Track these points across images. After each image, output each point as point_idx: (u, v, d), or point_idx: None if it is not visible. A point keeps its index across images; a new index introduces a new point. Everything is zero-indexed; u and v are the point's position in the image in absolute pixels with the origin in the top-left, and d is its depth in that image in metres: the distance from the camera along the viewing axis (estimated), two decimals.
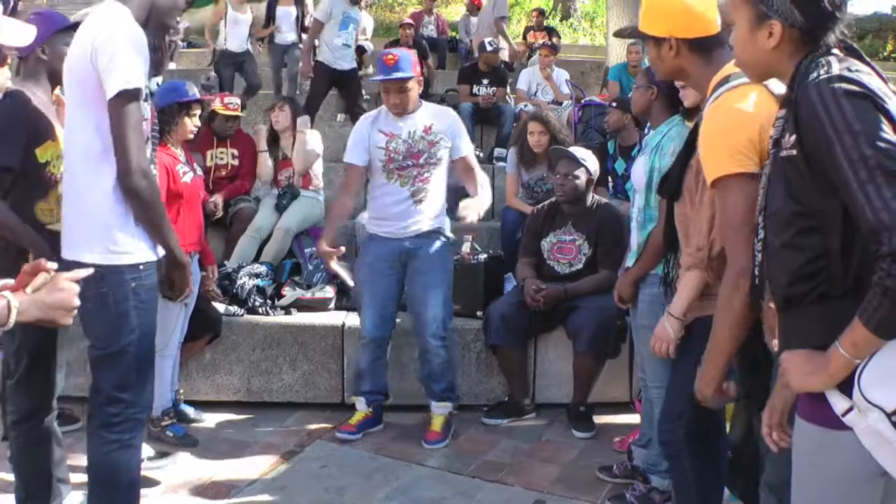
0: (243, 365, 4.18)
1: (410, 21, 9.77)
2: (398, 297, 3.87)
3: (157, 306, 2.45)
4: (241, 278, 4.38)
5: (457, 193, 3.99)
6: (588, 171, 3.99)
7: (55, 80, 2.66)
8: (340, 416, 4.09)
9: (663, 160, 2.81)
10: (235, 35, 7.80)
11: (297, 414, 4.12)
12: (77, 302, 1.65)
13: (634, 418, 3.83)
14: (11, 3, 9.24)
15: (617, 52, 8.06)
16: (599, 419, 4.03)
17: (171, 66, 8.55)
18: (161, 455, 3.51)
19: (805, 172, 1.48)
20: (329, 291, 4.54)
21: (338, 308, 4.53)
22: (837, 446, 1.48)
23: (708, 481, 2.49)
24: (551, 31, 10.97)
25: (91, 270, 1.79)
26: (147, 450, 3.46)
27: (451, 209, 3.90)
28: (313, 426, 3.99)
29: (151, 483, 3.26)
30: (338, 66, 6.94)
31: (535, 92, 7.70)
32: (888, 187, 1.35)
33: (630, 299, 3.11)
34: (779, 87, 1.89)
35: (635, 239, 3.07)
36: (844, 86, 1.42)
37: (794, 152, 1.49)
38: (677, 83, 2.77)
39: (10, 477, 2.79)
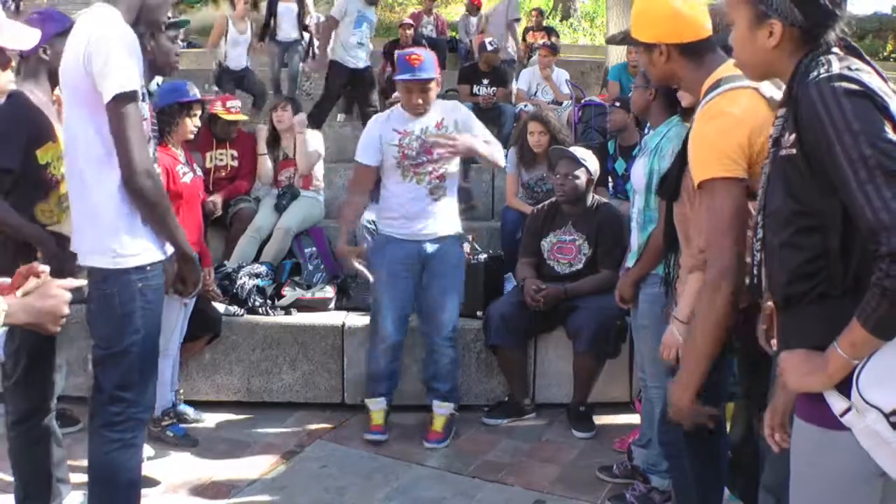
0: (243, 365, 4.18)
1: (410, 21, 9.77)
2: (413, 300, 3.87)
3: (162, 306, 2.46)
4: (241, 278, 4.38)
5: (459, 195, 4.01)
6: (588, 171, 3.99)
7: (55, 79, 2.66)
8: (340, 416, 4.09)
9: (662, 161, 2.81)
10: (235, 55, 7.84)
11: (297, 414, 4.12)
12: (66, 310, 1.65)
13: (634, 418, 3.83)
14: (12, 3, 9.24)
15: (617, 52, 8.05)
16: (599, 419, 4.02)
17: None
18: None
19: (805, 171, 1.48)
20: (329, 291, 4.54)
21: (338, 308, 4.53)
22: (836, 447, 1.48)
23: (708, 481, 2.49)
24: (550, 31, 10.96)
25: (84, 282, 1.79)
26: (147, 450, 3.47)
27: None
28: (313, 426, 3.99)
29: (151, 483, 3.26)
30: (352, 64, 6.95)
31: (535, 92, 7.70)
32: (888, 187, 1.35)
33: (631, 299, 3.12)
34: (770, 89, 1.89)
35: (636, 240, 3.07)
36: (845, 85, 1.42)
37: (794, 151, 1.49)
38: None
39: (10, 477, 2.78)
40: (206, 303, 3.99)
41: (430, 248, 3.80)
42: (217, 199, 4.94)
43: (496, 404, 4.17)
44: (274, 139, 5.23)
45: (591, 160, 4.01)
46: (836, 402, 1.46)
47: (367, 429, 3.89)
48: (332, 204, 5.63)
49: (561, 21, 16.08)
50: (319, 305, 4.48)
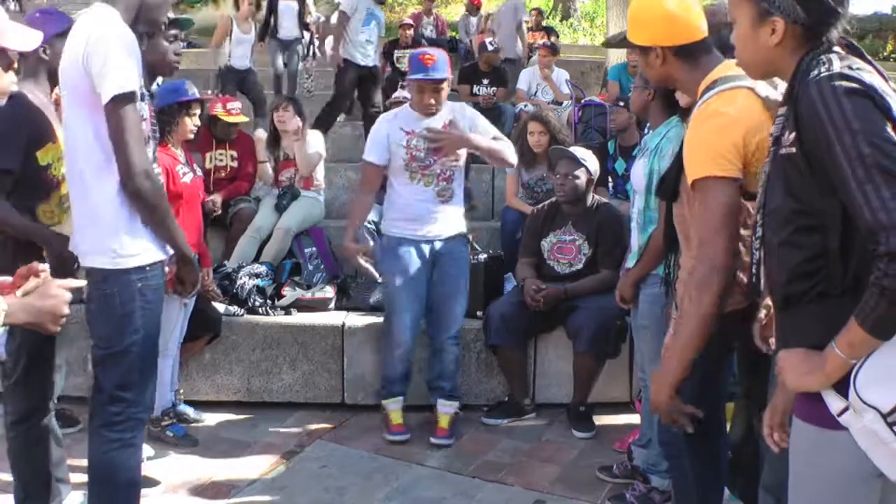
0: (243, 365, 4.18)
1: (410, 21, 9.77)
2: (426, 297, 3.87)
3: (162, 306, 2.46)
4: (241, 278, 4.38)
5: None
6: (588, 171, 3.99)
7: (55, 79, 2.66)
8: (340, 416, 4.09)
9: (662, 162, 2.81)
10: (239, 53, 7.78)
11: (297, 414, 4.12)
12: (66, 310, 1.65)
13: (634, 418, 3.83)
14: (11, 2, 9.24)
15: (617, 52, 8.05)
16: (599, 419, 4.02)
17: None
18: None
19: (804, 170, 1.48)
20: (329, 291, 4.54)
21: (338, 308, 4.53)
22: (833, 446, 1.48)
23: (708, 481, 2.49)
24: (549, 31, 10.97)
25: (84, 283, 1.79)
26: (147, 450, 3.47)
27: None
28: (313, 426, 3.99)
29: (151, 483, 3.26)
30: (361, 61, 6.95)
31: (535, 92, 7.70)
32: (886, 187, 1.35)
33: (631, 300, 3.12)
34: (766, 89, 1.89)
35: (636, 240, 3.07)
36: (845, 84, 1.42)
37: (794, 150, 1.49)
38: None
39: (10, 477, 2.78)
40: (206, 303, 3.99)
41: (439, 247, 3.81)
42: (217, 198, 4.94)
43: (496, 404, 4.17)
44: (275, 139, 5.23)
45: (591, 160, 4.01)
46: (834, 402, 1.46)
47: (367, 429, 3.90)
48: (332, 204, 5.64)
49: (561, 21, 16.09)
50: (319, 305, 4.48)
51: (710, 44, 2.18)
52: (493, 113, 7.15)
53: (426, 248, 3.79)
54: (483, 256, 4.43)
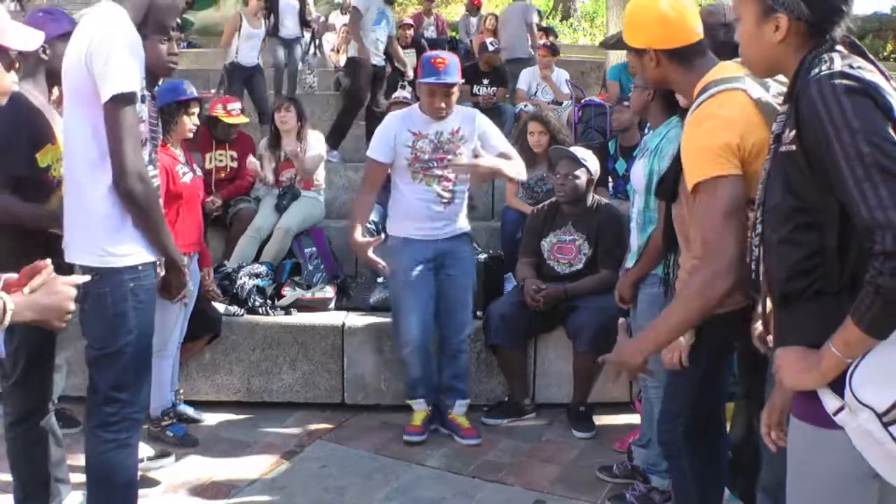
0: (243, 365, 4.18)
1: (410, 21, 9.78)
2: (435, 299, 3.85)
3: (154, 306, 2.45)
4: (241, 278, 4.38)
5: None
6: (589, 171, 3.99)
7: (53, 80, 2.66)
8: (340, 416, 4.09)
9: (662, 162, 2.81)
10: (248, 49, 7.69)
11: (297, 414, 4.12)
12: (72, 306, 1.65)
13: (634, 418, 3.83)
14: (12, 2, 9.23)
15: (617, 52, 8.04)
16: (599, 419, 4.02)
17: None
18: (161, 455, 3.51)
19: (804, 168, 1.48)
20: (329, 291, 4.54)
21: (338, 308, 4.53)
22: (830, 445, 1.48)
23: (707, 480, 2.49)
24: (549, 31, 10.97)
25: (88, 277, 1.79)
26: (147, 450, 3.47)
27: None
28: (313, 426, 3.99)
29: (151, 483, 3.26)
30: (374, 60, 6.95)
31: (535, 92, 7.70)
32: (884, 185, 1.35)
33: (631, 300, 3.12)
34: (758, 91, 1.89)
35: (635, 241, 3.08)
36: (845, 82, 1.42)
37: (794, 147, 1.49)
38: None
39: (10, 477, 2.78)
40: (206, 303, 3.99)
41: (442, 246, 3.81)
42: (217, 198, 4.94)
43: (496, 404, 4.17)
44: (276, 139, 5.23)
45: (591, 160, 4.01)
46: (830, 401, 1.46)
47: (367, 429, 3.92)
48: (332, 204, 5.64)
49: (561, 21, 16.09)
50: (319, 305, 4.48)
51: (705, 46, 2.18)
52: (493, 113, 7.15)
53: (430, 248, 3.79)
54: (483, 256, 4.43)
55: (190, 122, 3.74)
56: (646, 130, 3.33)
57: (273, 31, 8.33)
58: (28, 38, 2.23)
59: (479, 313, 4.20)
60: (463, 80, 3.84)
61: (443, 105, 3.70)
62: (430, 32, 10.43)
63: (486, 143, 3.80)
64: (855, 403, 1.41)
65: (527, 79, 7.79)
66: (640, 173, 3.00)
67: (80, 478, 2.51)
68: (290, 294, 4.43)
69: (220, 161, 5.17)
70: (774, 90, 1.91)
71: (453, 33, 11.23)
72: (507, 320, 4.02)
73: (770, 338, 1.75)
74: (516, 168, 3.80)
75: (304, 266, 4.80)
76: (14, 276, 1.65)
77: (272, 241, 4.86)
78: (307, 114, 5.42)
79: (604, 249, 4.00)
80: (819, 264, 1.49)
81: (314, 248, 4.91)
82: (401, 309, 3.83)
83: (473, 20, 10.48)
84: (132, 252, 2.33)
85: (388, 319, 4.08)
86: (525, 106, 7.17)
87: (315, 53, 9.40)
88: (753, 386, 2.48)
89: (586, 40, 15.40)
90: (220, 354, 4.16)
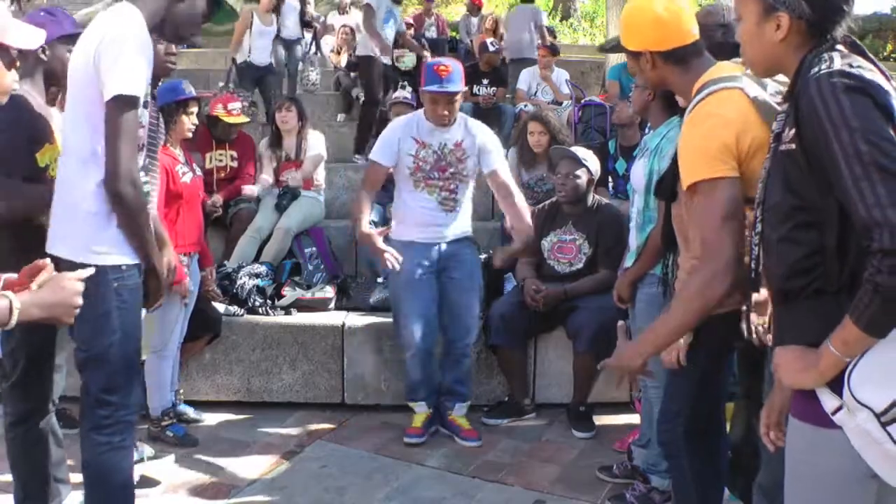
0: (243, 365, 4.18)
1: (411, 21, 9.77)
2: (437, 303, 3.84)
3: (140, 307, 2.43)
4: (241, 278, 4.38)
5: None
6: (589, 171, 3.99)
7: (50, 81, 2.65)
8: (340, 416, 4.09)
9: (662, 162, 2.81)
10: (259, 47, 7.64)
11: (297, 414, 4.12)
12: (80, 301, 1.65)
13: (634, 418, 3.83)
14: (10, 3, 9.22)
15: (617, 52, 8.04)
16: (599, 419, 4.02)
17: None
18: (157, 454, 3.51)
19: (804, 167, 1.48)
20: (329, 291, 4.54)
21: (338, 308, 4.53)
22: (828, 445, 1.48)
23: (707, 480, 2.49)
24: (549, 31, 10.96)
25: (92, 270, 1.78)
26: (147, 450, 3.47)
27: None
28: (313, 426, 3.99)
29: (151, 483, 3.26)
30: (382, 59, 6.97)
31: (535, 92, 7.70)
32: (882, 184, 1.35)
33: (629, 299, 3.12)
34: (755, 90, 1.89)
35: (634, 240, 3.08)
36: (845, 81, 1.42)
37: (794, 146, 1.49)
38: None
39: (10, 477, 2.78)
40: (206, 303, 3.99)
41: (444, 249, 3.81)
42: (217, 198, 4.95)
43: (496, 404, 4.17)
44: (277, 139, 5.23)
45: (591, 160, 4.01)
46: (828, 400, 1.46)
47: (367, 429, 3.92)
48: (332, 204, 5.64)
49: (561, 21, 16.08)
50: (319, 305, 4.48)
51: (702, 46, 2.19)
52: (493, 113, 7.16)
53: (432, 251, 3.79)
54: (483, 256, 4.42)
55: (189, 122, 3.74)
56: (646, 130, 3.33)
57: (275, 32, 8.31)
58: (29, 37, 2.23)
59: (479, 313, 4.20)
60: (464, 87, 3.82)
61: (446, 113, 3.70)
62: (431, 33, 10.42)
63: (483, 160, 3.78)
64: (853, 403, 1.40)
65: (527, 79, 7.79)
66: (639, 173, 3.00)
67: (81, 478, 2.51)
68: (290, 294, 4.43)
69: (220, 161, 5.17)
70: (772, 89, 1.91)
71: (454, 33, 11.22)
72: (508, 320, 4.02)
73: (770, 336, 1.76)
74: (526, 212, 3.77)
75: (304, 266, 4.80)
76: (14, 275, 1.65)
77: (272, 241, 4.87)
78: (307, 114, 5.42)
79: (604, 249, 4.00)
80: (818, 263, 1.49)
81: (314, 248, 4.91)
82: (402, 312, 3.81)
83: (474, 20, 10.47)
84: (116, 252, 2.31)
85: (389, 319, 4.07)
86: (525, 106, 7.17)
87: (316, 53, 9.39)
88: (753, 386, 2.48)
89: (586, 40, 15.40)
90: (220, 354, 4.16)
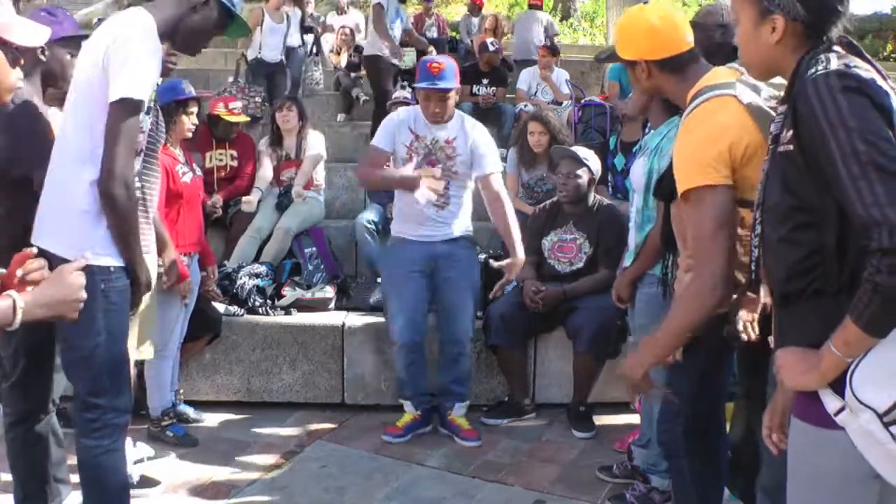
0: (243, 365, 4.17)
1: (412, 21, 9.75)
2: (426, 300, 3.85)
3: (127, 310, 2.41)
4: (241, 278, 4.38)
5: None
6: (590, 170, 3.99)
7: (48, 82, 2.65)
8: (340, 416, 4.09)
9: (662, 161, 2.81)
10: (271, 44, 7.60)
11: (297, 414, 4.12)
12: (84, 295, 1.64)
13: (634, 418, 3.83)
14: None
15: None
16: (599, 419, 4.02)
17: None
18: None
19: (802, 167, 1.48)
20: (329, 291, 4.54)
21: (338, 308, 4.53)
22: (830, 446, 1.48)
23: (707, 480, 2.49)
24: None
25: (90, 256, 1.75)
26: (147, 450, 3.47)
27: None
28: (313, 426, 3.99)
29: (151, 483, 3.26)
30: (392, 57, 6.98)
31: (535, 92, 7.70)
32: (880, 183, 1.35)
33: (628, 299, 3.12)
34: (750, 96, 1.90)
35: (633, 239, 3.08)
36: (842, 81, 1.43)
37: (792, 147, 1.49)
38: None
39: (10, 477, 2.78)
40: (206, 303, 3.99)
41: (438, 249, 3.81)
42: (218, 199, 4.94)
43: (496, 404, 4.17)
44: (277, 138, 5.23)
45: (592, 160, 4.01)
46: (831, 401, 1.46)
47: (367, 429, 3.92)
48: (332, 204, 5.64)
49: (561, 21, 16.06)
50: (319, 305, 4.48)
51: (697, 53, 2.20)
52: (492, 113, 7.17)
53: (424, 250, 3.80)
54: (483, 256, 4.42)
55: (189, 122, 3.74)
56: (647, 130, 3.33)
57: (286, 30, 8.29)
58: (33, 34, 2.23)
59: (479, 313, 4.20)
60: (458, 84, 3.82)
61: (437, 110, 3.71)
62: (432, 33, 10.41)
63: (475, 162, 3.79)
64: (856, 404, 1.40)
65: (527, 79, 7.79)
66: (639, 172, 3.00)
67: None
68: (290, 294, 4.43)
69: (220, 160, 5.17)
70: (766, 94, 1.91)
71: (454, 33, 11.22)
72: (507, 320, 4.02)
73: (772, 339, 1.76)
74: (518, 234, 3.81)
75: (304, 266, 4.80)
76: (2, 270, 1.64)
77: (272, 241, 4.87)
78: (308, 114, 5.42)
79: (604, 249, 4.00)
80: (818, 263, 1.49)
81: (314, 248, 4.91)
82: (388, 309, 3.88)
83: (475, 20, 10.47)
84: (105, 253, 2.30)
85: None
86: (525, 106, 7.17)
87: (317, 54, 9.38)
88: (753, 386, 2.48)
89: (586, 40, 15.40)
90: (220, 354, 4.16)
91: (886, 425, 1.38)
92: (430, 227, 3.81)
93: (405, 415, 3.87)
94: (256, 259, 4.77)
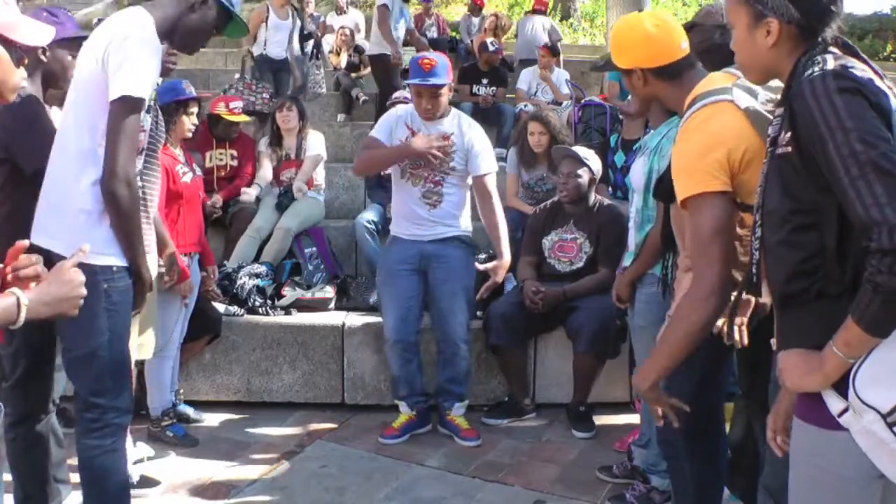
0: (243, 365, 4.18)
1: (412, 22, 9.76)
2: (420, 298, 3.86)
3: (129, 310, 2.41)
4: (241, 278, 4.38)
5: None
6: (591, 170, 3.99)
7: (48, 82, 2.65)
8: (340, 417, 4.09)
9: (662, 161, 2.81)
10: (276, 41, 7.53)
11: (297, 414, 4.12)
12: (84, 291, 1.64)
13: (634, 418, 3.83)
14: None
15: None
16: (599, 419, 4.03)
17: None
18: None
19: (800, 169, 1.48)
20: (329, 291, 4.54)
21: (338, 308, 4.53)
22: (833, 447, 1.48)
23: (706, 480, 2.49)
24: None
25: (87, 247, 1.74)
26: (147, 450, 3.47)
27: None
28: (313, 426, 3.99)
29: (151, 483, 3.26)
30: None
31: (535, 92, 7.70)
32: (879, 183, 1.35)
33: (628, 299, 3.12)
34: (747, 100, 1.90)
35: (633, 239, 3.08)
36: (838, 82, 1.43)
37: (790, 149, 1.49)
38: None
39: (10, 477, 2.78)
40: (206, 303, 3.99)
41: (429, 249, 3.81)
42: (217, 199, 4.95)
43: (496, 404, 4.17)
44: (277, 138, 5.24)
45: (593, 160, 4.02)
46: (834, 403, 1.46)
47: (367, 429, 3.92)
48: (332, 204, 5.64)
49: (561, 21, 16.05)
50: (319, 305, 4.48)
51: (692, 59, 2.20)
52: (492, 113, 7.17)
53: (415, 248, 3.81)
54: (483, 256, 4.42)
55: (189, 122, 3.74)
56: (648, 128, 3.33)
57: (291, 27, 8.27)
58: (38, 34, 2.23)
59: (479, 313, 4.20)
60: (454, 80, 3.83)
61: (430, 107, 3.71)
62: (432, 33, 10.42)
63: (469, 161, 3.79)
64: (859, 405, 1.40)
65: (527, 79, 7.80)
66: (639, 172, 3.00)
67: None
68: (290, 294, 4.44)
69: (221, 160, 5.17)
70: (763, 98, 1.91)
71: (454, 33, 11.22)
72: (508, 320, 4.02)
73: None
74: (505, 244, 3.83)
75: (304, 266, 4.80)
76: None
77: (272, 241, 4.87)
78: (308, 114, 5.43)
79: (604, 249, 4.00)
80: (819, 265, 1.49)
81: (314, 248, 4.91)
82: (381, 306, 3.92)
83: (475, 20, 10.47)
84: (107, 252, 2.30)
85: None
86: (525, 106, 7.17)
87: (318, 57, 9.38)
88: (753, 386, 2.48)
89: (586, 40, 15.40)
90: (220, 354, 4.16)
91: (890, 426, 1.38)
92: (421, 225, 3.81)
93: (401, 415, 3.87)
94: (256, 259, 4.77)
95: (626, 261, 3.14)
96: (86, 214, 2.28)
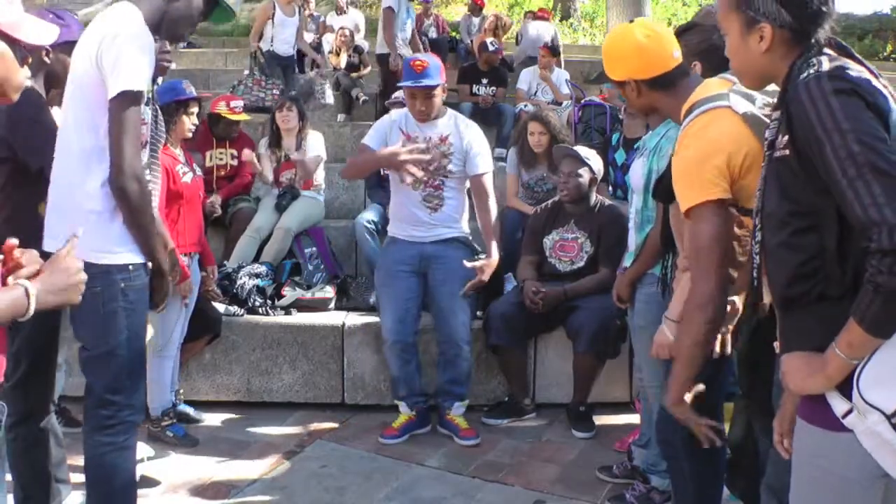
0: (243, 365, 4.18)
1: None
2: (418, 299, 3.86)
3: (146, 308, 2.43)
4: (241, 278, 4.38)
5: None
6: (591, 170, 3.99)
7: (51, 84, 2.65)
8: (340, 416, 4.09)
9: (661, 161, 2.81)
10: (282, 38, 7.54)
11: (297, 414, 4.12)
12: (83, 276, 1.64)
13: (634, 418, 3.83)
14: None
15: None
16: (599, 419, 4.02)
17: (172, 65, 8.43)
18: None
19: (798, 172, 1.48)
20: (329, 291, 4.54)
21: (338, 308, 4.53)
22: (837, 448, 1.48)
23: (706, 480, 2.49)
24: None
25: (81, 230, 1.74)
26: (147, 450, 3.47)
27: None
28: (313, 426, 3.99)
29: (151, 483, 3.26)
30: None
31: (535, 92, 7.71)
32: (877, 184, 1.35)
33: (628, 299, 3.12)
34: (745, 105, 1.90)
35: (633, 240, 3.07)
36: (834, 83, 1.43)
37: (787, 152, 1.49)
38: None
39: (10, 477, 2.78)
40: (206, 303, 3.99)
41: (429, 250, 3.81)
42: (217, 199, 4.95)
43: (496, 404, 4.17)
44: (276, 138, 5.24)
45: (594, 159, 4.02)
46: (838, 404, 1.46)
47: (367, 429, 3.92)
48: (332, 204, 5.64)
49: (561, 21, 16.06)
50: (319, 305, 4.48)
51: (686, 68, 2.21)
52: (492, 113, 7.17)
53: (414, 250, 3.82)
54: (483, 257, 4.42)
55: (189, 122, 3.75)
56: (647, 129, 3.33)
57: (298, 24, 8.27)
58: (43, 33, 2.23)
59: (479, 313, 4.20)
60: (445, 83, 3.82)
61: (423, 108, 3.72)
62: (432, 33, 10.42)
63: (468, 162, 3.80)
64: (863, 405, 1.40)
65: (527, 79, 7.80)
66: (638, 172, 2.99)
67: (81, 478, 2.51)
68: (290, 294, 4.44)
69: (221, 159, 5.17)
70: (760, 102, 1.91)
71: (454, 33, 11.23)
72: (508, 320, 4.02)
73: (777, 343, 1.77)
74: (495, 226, 3.86)
75: (304, 266, 4.80)
76: None
77: (272, 241, 4.87)
78: (307, 115, 5.42)
79: (605, 248, 4.00)
80: (819, 267, 1.49)
81: (314, 248, 4.91)
82: (379, 307, 3.92)
83: (475, 20, 10.48)
84: (122, 251, 2.31)
85: None
86: (525, 106, 7.17)
87: (319, 66, 9.38)
88: (753, 386, 2.48)
89: (586, 40, 15.39)
90: (220, 354, 4.16)
91: (894, 426, 1.38)
92: (421, 228, 3.82)
93: (400, 415, 3.87)
94: (256, 259, 4.77)
95: (627, 261, 3.14)
96: (96, 215, 2.28)
